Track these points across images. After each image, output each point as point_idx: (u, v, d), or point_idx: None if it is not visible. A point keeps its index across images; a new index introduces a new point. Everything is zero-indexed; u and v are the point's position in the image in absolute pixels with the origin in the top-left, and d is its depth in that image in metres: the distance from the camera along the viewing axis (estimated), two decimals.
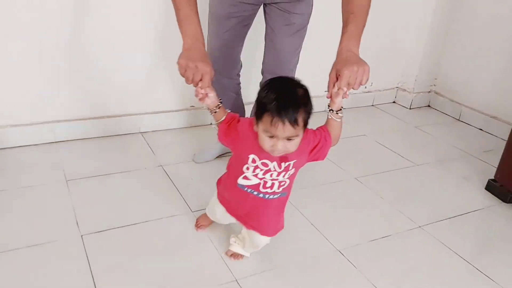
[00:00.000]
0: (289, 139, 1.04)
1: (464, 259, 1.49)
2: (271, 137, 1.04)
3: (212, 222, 1.49)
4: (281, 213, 1.30)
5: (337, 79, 1.10)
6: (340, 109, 1.14)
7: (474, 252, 1.54)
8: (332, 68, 1.13)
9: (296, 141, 1.06)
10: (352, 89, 1.11)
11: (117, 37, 1.95)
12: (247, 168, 1.16)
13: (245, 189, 1.20)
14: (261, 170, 1.15)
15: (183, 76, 1.14)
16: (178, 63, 1.13)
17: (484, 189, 1.94)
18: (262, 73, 1.73)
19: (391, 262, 1.46)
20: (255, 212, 1.25)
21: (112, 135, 2.10)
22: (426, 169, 2.10)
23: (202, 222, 1.51)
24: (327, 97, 1.14)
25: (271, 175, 1.16)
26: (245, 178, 1.18)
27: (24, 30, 1.76)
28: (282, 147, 1.05)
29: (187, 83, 1.14)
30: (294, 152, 1.10)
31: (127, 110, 2.11)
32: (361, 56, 1.17)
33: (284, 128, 1.01)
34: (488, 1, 2.48)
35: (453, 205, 1.82)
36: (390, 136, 2.42)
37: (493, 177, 1.92)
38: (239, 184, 1.20)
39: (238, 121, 1.18)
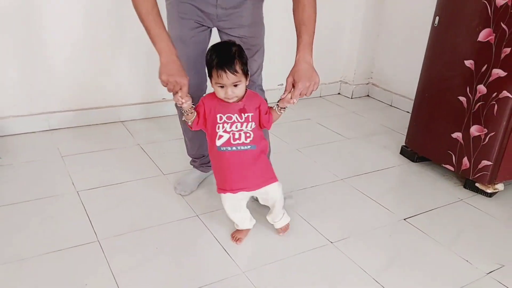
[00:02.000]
0: (235, 85, 1.34)
1: (372, 199, 1.98)
2: (222, 87, 1.34)
3: (246, 232, 1.65)
4: (262, 166, 1.51)
5: (293, 85, 1.38)
6: (284, 108, 1.45)
7: (382, 192, 2.02)
8: (290, 74, 1.41)
9: (241, 86, 1.36)
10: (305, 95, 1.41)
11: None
12: (218, 127, 1.42)
13: (222, 149, 1.44)
14: (227, 123, 1.41)
15: (165, 86, 1.38)
16: (160, 79, 1.36)
17: (399, 154, 2.45)
18: None
19: (316, 206, 1.93)
20: (235, 170, 1.47)
21: (97, 124, 2.55)
22: (354, 141, 2.59)
23: (238, 235, 1.63)
24: (281, 98, 1.43)
25: (236, 126, 1.42)
26: (220, 137, 1.43)
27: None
28: (232, 92, 1.34)
29: (169, 92, 1.39)
30: (249, 105, 1.41)
31: (109, 102, 2.56)
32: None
33: (228, 76, 1.31)
34: (407, 1, 3.02)
35: (372, 164, 2.31)
36: (330, 119, 2.92)
37: (404, 144, 2.42)
38: (218, 147, 1.44)
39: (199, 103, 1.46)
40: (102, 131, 2.48)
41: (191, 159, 1.98)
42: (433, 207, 1.94)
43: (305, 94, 1.39)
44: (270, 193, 1.56)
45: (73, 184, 1.91)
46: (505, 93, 1.84)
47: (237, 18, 1.60)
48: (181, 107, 1.39)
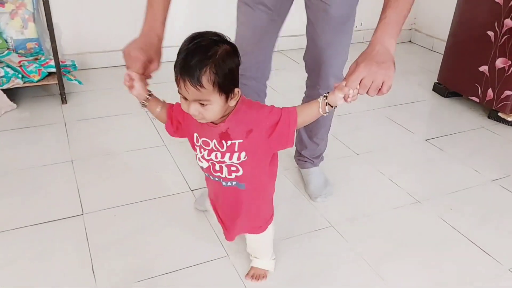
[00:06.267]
0: (201, 103, 0.90)
1: (399, 124, 2.24)
2: (185, 99, 0.91)
3: (264, 274, 1.30)
4: (247, 212, 1.13)
5: None
6: (332, 106, 0.94)
7: (410, 120, 2.27)
8: (356, 60, 0.95)
9: (212, 108, 0.90)
10: (366, 94, 0.91)
11: None
12: (195, 149, 1.06)
13: (205, 174, 1.10)
14: (204, 149, 1.03)
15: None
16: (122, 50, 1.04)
17: (431, 90, 2.64)
18: (306, 72, 1.52)
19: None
20: (218, 201, 1.17)
21: None
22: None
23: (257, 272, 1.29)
24: (334, 86, 0.94)
25: (215, 156, 1.01)
26: (199, 160, 1.06)
27: None
28: (195, 110, 0.90)
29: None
30: (236, 129, 0.97)
31: None
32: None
33: (187, 88, 0.87)
34: None
35: (406, 97, 2.54)
36: None
37: (437, 80, 2.61)
38: (199, 166, 1.09)
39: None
40: None
41: None
42: (455, 132, 2.17)
43: (369, 90, 0.91)
44: (248, 240, 1.26)
45: None
46: None
47: None
48: (130, 92, 1.03)
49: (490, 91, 2.22)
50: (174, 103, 1.07)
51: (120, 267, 1.31)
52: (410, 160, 1.94)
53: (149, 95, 1.04)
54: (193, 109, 0.90)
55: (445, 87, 2.53)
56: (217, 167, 1.03)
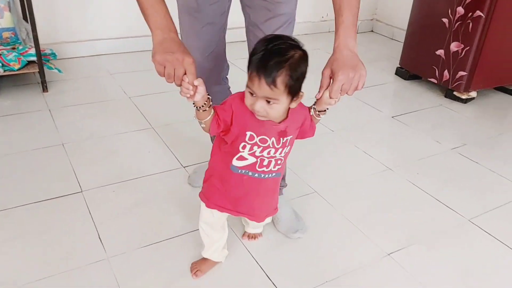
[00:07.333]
0: (268, 101, 0.94)
1: (366, 103, 2.44)
2: (252, 94, 0.95)
3: (210, 266, 1.30)
4: (274, 196, 1.21)
5: (330, 78, 1.00)
6: (324, 111, 1.06)
7: (376, 100, 2.47)
8: (327, 65, 1.01)
9: (277, 107, 0.96)
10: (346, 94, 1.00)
11: None
12: (244, 147, 1.04)
13: (239, 171, 1.09)
14: (259, 147, 1.04)
15: (162, 75, 0.96)
16: (154, 60, 0.96)
17: (394, 74, 2.87)
18: None
19: None
20: (247, 196, 1.14)
21: None
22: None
23: (200, 266, 1.29)
24: (316, 97, 1.03)
25: (269, 152, 1.06)
26: (240, 158, 1.06)
27: None
28: (261, 107, 0.94)
29: (169, 81, 0.96)
30: (291, 126, 1.05)
31: None
32: None
33: (260, 85, 0.91)
34: None
35: (370, 81, 2.72)
36: None
37: (399, 65, 2.84)
38: (232, 167, 1.08)
39: (224, 103, 1.04)
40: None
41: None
42: (417, 109, 2.40)
43: (348, 91, 1.00)
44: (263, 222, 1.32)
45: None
46: (478, 12, 2.24)
47: None
48: (191, 100, 0.97)
49: (446, 73, 2.47)
50: (217, 107, 1.04)
51: (125, 235, 1.40)
52: (380, 135, 2.14)
53: (208, 95, 1.01)
54: (259, 106, 0.94)
55: (407, 71, 2.76)
56: (265, 162, 1.08)
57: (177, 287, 1.24)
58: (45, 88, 2.28)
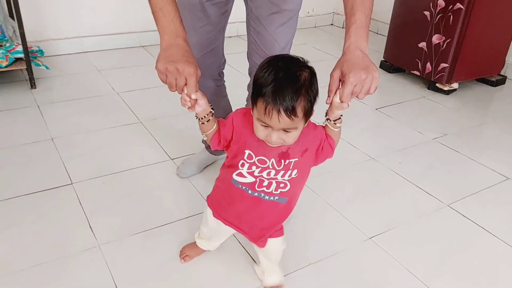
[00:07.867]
0: (286, 130, 0.88)
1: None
2: (266, 126, 0.89)
3: (199, 253, 1.32)
4: (277, 223, 1.12)
5: (340, 81, 0.94)
6: (339, 118, 0.98)
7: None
8: (336, 66, 0.95)
9: (295, 134, 0.90)
10: (356, 98, 0.94)
11: None
12: (242, 165, 1.00)
13: (239, 186, 1.04)
14: (258, 167, 0.99)
15: (165, 83, 0.96)
16: (156, 68, 0.95)
17: (378, 67, 2.93)
18: (250, 74, 1.46)
19: None
20: (248, 214, 1.09)
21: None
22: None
23: (189, 252, 1.31)
24: (327, 103, 0.96)
25: (268, 174, 1.00)
26: (240, 175, 1.02)
27: None
28: (278, 139, 0.89)
29: (171, 90, 0.96)
30: (295, 149, 0.97)
31: None
32: None
33: (280, 119, 0.85)
34: None
35: None
36: (323, 43, 3.38)
37: (383, 58, 2.90)
38: (234, 180, 1.04)
39: (227, 118, 1.02)
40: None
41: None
42: (401, 101, 2.46)
43: (359, 94, 0.93)
44: (269, 249, 1.17)
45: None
46: (458, 5, 2.30)
47: None
48: (191, 111, 0.96)
49: (428, 65, 2.53)
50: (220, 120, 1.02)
51: (116, 223, 1.44)
52: (364, 126, 2.20)
53: (212, 108, 0.99)
54: (276, 137, 0.89)
55: (391, 64, 2.82)
56: (265, 183, 1.01)
57: (166, 270, 1.28)
58: (33, 85, 2.30)
